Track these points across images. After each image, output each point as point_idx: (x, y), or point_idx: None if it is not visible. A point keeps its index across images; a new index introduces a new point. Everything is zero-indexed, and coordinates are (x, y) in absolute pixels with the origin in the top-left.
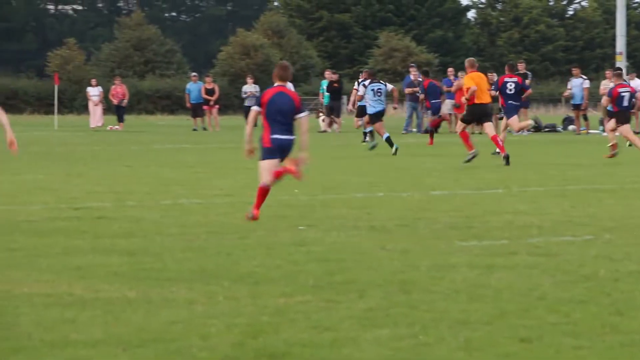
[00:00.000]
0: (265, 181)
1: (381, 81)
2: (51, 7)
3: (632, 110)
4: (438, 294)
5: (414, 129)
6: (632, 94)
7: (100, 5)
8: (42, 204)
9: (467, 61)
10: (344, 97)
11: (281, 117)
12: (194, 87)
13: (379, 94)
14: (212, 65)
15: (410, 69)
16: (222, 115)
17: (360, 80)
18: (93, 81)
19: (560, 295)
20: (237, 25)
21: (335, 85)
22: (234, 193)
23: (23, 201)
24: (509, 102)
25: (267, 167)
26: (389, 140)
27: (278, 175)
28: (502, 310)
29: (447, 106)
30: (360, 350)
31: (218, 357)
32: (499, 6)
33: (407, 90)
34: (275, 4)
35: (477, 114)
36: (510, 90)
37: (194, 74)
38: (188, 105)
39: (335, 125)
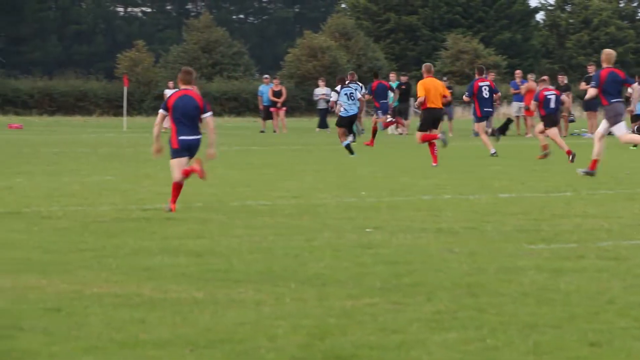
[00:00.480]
0: (176, 178)
1: (352, 85)
2: (120, 9)
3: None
4: (506, 297)
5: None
6: (558, 96)
7: (169, 7)
8: (111, 205)
9: (424, 66)
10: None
11: (186, 119)
12: (266, 89)
13: (352, 97)
14: (279, 68)
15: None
16: (289, 117)
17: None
18: (170, 83)
19: (630, 299)
20: (305, 27)
21: (403, 87)
22: (301, 195)
23: (92, 202)
24: (484, 108)
25: (177, 165)
26: (348, 147)
27: (186, 174)
28: (571, 314)
29: (514, 108)
30: (428, 353)
31: (285, 358)
32: (568, 8)
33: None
34: (343, 6)
35: (429, 119)
36: (486, 95)
37: (265, 76)
38: (261, 107)
39: (401, 128)
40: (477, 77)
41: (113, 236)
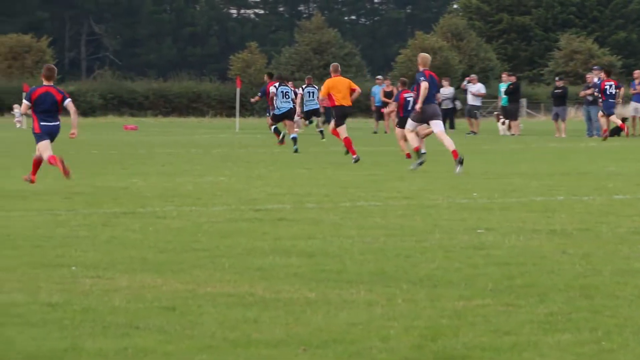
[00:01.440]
0: (39, 155)
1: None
2: (234, 11)
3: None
4: (622, 300)
5: (595, 133)
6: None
7: (281, 9)
8: (224, 205)
9: (331, 66)
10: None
11: (47, 109)
12: (378, 90)
13: (286, 96)
14: (390, 68)
15: (594, 71)
16: None
17: (304, 85)
18: (289, 84)
19: None
20: (416, 28)
21: (511, 87)
22: (412, 195)
23: (206, 202)
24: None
25: (42, 147)
26: (294, 140)
27: (53, 161)
28: None
29: (631, 107)
30: (541, 355)
31: (397, 359)
32: None
33: (582, 93)
34: (455, 6)
35: (339, 115)
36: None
37: (378, 76)
38: (373, 107)
39: (513, 128)
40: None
41: (226, 236)
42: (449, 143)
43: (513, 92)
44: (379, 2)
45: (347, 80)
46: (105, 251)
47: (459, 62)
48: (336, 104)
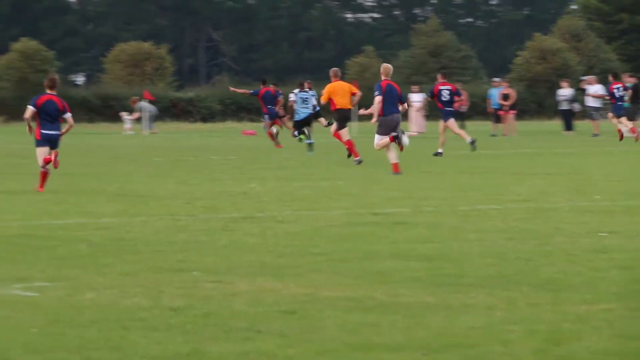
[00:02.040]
0: (41, 164)
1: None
2: (349, 15)
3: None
4: None
5: None
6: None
7: (397, 12)
8: (342, 209)
9: (331, 71)
10: None
11: (49, 117)
12: (495, 92)
13: (306, 102)
14: (507, 70)
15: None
16: (519, 120)
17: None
18: (415, 87)
19: None
20: (534, 29)
21: (632, 88)
22: (532, 199)
23: (323, 206)
24: (445, 108)
25: (40, 153)
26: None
27: (47, 161)
28: None
29: None
30: None
31: None
32: None
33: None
34: (574, 7)
35: (341, 118)
36: (445, 97)
37: (494, 79)
38: (489, 110)
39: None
40: None
41: (344, 240)
42: (394, 156)
43: (634, 93)
44: (496, 4)
45: (348, 84)
46: (224, 256)
47: (578, 63)
48: (337, 107)
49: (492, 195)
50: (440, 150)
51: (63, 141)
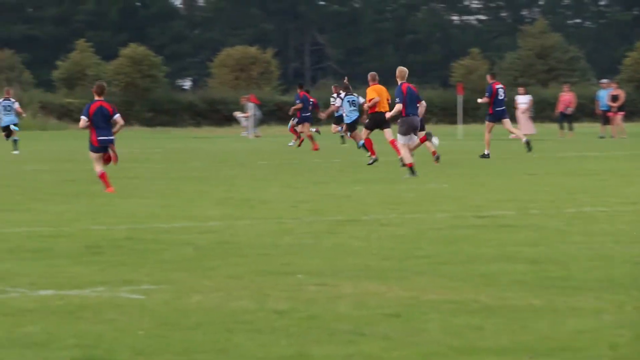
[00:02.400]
0: (98, 170)
1: (354, 94)
2: (455, 17)
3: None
4: None
5: None
6: None
7: (503, 14)
8: (447, 212)
9: (369, 75)
10: None
11: (102, 123)
12: (604, 94)
13: (353, 104)
14: (617, 72)
15: None
16: (628, 122)
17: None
18: (521, 89)
19: None
20: None
21: None
22: None
23: (428, 209)
24: (496, 109)
25: (95, 158)
26: (364, 147)
27: (107, 161)
28: None
29: None
30: None
31: None
32: None
33: None
34: None
35: (377, 122)
36: (501, 96)
37: (603, 80)
38: (598, 111)
39: None
40: None
41: (449, 243)
42: (408, 156)
43: None
44: (605, 5)
45: (385, 88)
46: (329, 258)
47: None
48: (377, 110)
49: (600, 198)
50: (486, 152)
51: (160, 144)
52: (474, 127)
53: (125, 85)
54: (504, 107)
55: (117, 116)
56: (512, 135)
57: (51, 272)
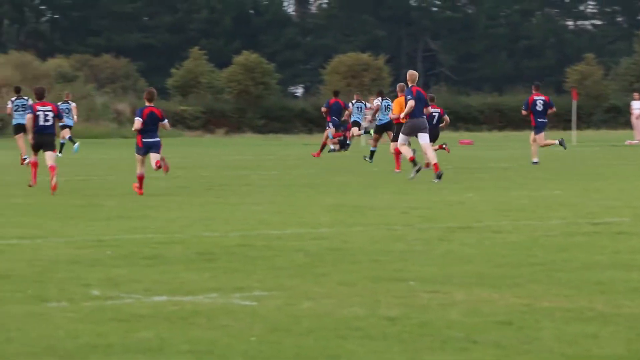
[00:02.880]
0: (139, 171)
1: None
2: (570, 22)
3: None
4: None
5: None
6: None
7: (619, 19)
8: (561, 219)
9: (398, 86)
10: None
11: (151, 127)
12: None
13: (388, 109)
14: None
15: None
16: None
17: (354, 101)
18: (636, 94)
19: None
20: None
21: None
22: None
23: (541, 216)
24: (538, 119)
25: (139, 159)
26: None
27: (158, 166)
28: None
29: None
30: None
31: None
32: None
33: None
34: None
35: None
36: (539, 107)
37: None
38: None
39: None
40: None
41: (562, 250)
42: (432, 156)
43: None
44: None
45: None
46: (441, 265)
47: None
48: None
49: None
50: (535, 160)
51: (280, 154)
52: (588, 133)
53: (238, 93)
54: (544, 119)
55: (165, 121)
56: (630, 142)
57: (165, 278)
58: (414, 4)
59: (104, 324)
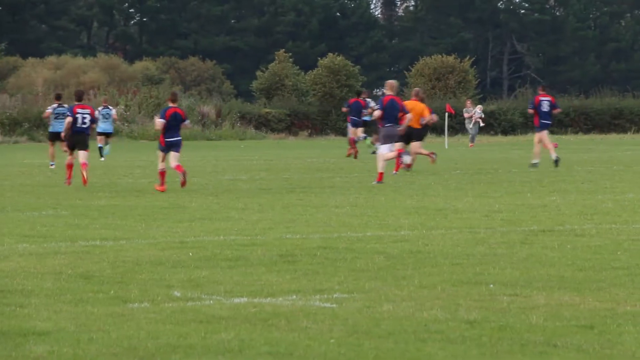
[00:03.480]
0: (160, 166)
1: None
2: None
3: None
4: None
5: None
6: None
7: None
8: None
9: (414, 90)
10: None
11: (173, 127)
12: None
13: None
14: None
15: None
16: None
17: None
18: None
19: None
20: None
21: None
22: None
23: (626, 220)
24: (542, 120)
25: (161, 156)
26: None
27: (179, 169)
28: None
29: None
30: None
31: None
32: None
33: None
34: None
35: (406, 134)
36: (545, 108)
37: None
38: None
39: None
40: None
41: None
42: (382, 165)
43: None
44: None
45: (422, 105)
46: (522, 269)
47: None
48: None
49: None
50: (535, 161)
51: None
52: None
53: (323, 95)
54: (549, 120)
55: (187, 122)
56: None
57: (246, 280)
58: (501, 6)
59: (185, 325)
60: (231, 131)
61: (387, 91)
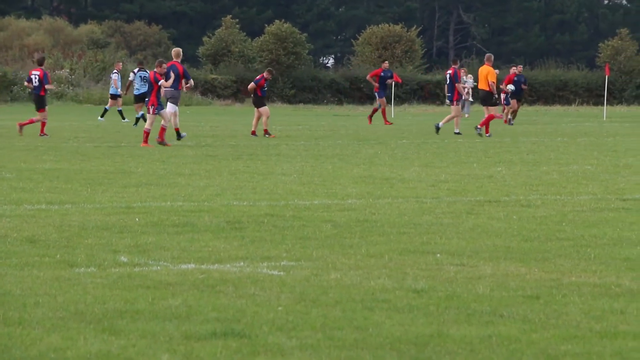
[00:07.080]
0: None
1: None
2: None
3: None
4: None
5: None
6: None
7: None
8: (590, 194)
9: (486, 56)
10: None
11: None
12: None
13: (144, 80)
14: None
15: None
16: None
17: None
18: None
19: None
20: None
21: None
22: None
23: (571, 191)
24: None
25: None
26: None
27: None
28: None
29: None
30: None
31: None
32: None
33: None
34: None
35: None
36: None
37: None
38: None
39: None
40: None
41: (591, 226)
42: (167, 120)
43: None
44: None
45: (487, 68)
46: (469, 239)
47: None
48: (479, 87)
49: None
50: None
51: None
52: (619, 109)
53: (269, 62)
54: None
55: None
56: None
57: (193, 246)
58: None
59: (132, 290)
60: None
61: (174, 58)
